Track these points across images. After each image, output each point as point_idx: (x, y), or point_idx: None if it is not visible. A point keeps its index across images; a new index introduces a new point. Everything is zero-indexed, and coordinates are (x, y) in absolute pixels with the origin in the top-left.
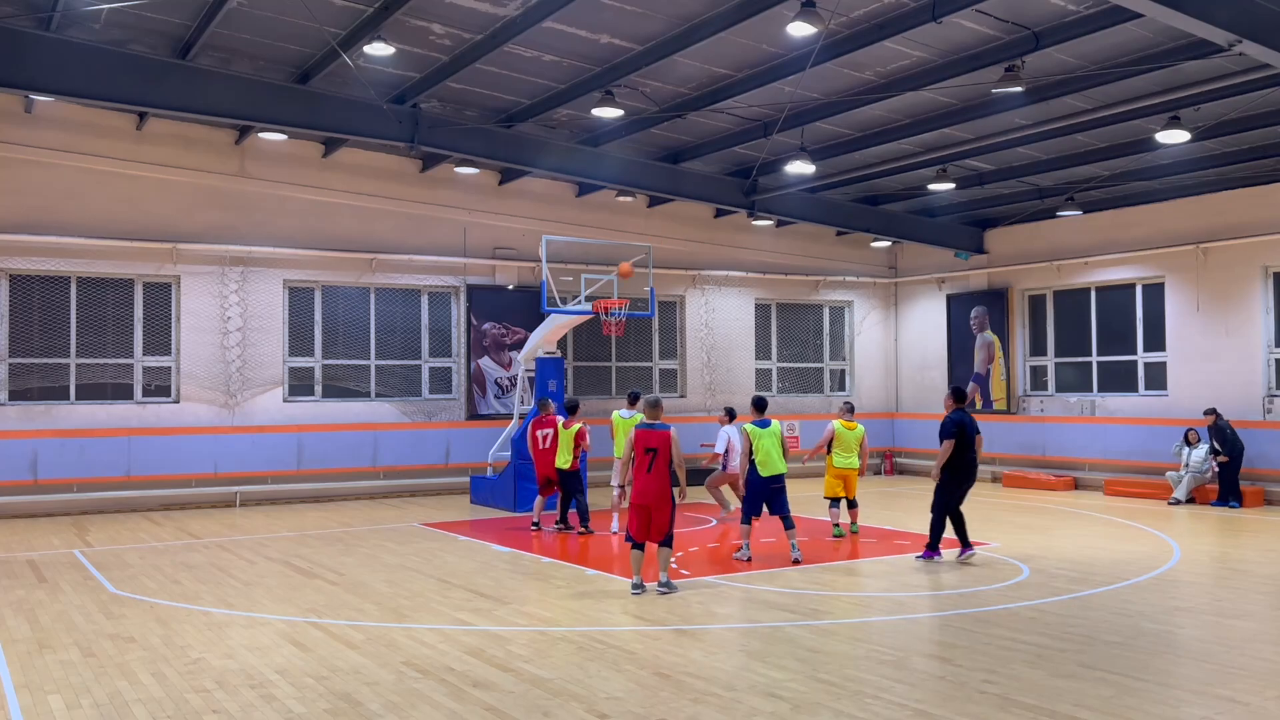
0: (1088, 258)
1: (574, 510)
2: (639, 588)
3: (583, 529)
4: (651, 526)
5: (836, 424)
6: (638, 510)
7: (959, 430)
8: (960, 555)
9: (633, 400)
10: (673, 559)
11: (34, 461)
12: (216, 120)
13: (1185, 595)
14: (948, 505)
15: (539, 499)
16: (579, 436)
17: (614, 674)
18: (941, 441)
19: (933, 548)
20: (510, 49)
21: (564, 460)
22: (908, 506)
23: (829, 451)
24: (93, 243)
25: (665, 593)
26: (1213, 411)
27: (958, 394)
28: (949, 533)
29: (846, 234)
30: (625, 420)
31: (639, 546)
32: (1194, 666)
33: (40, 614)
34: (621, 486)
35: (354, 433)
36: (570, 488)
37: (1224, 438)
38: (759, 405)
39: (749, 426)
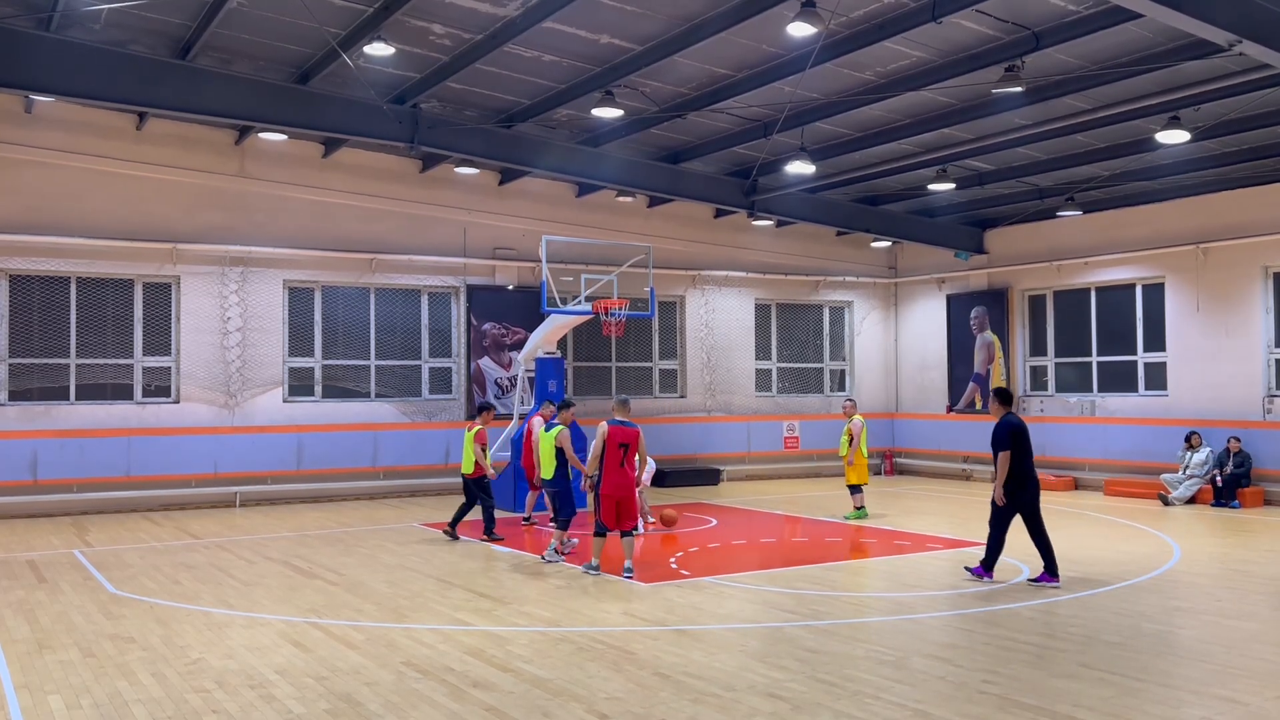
0: (1088, 258)
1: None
2: (594, 569)
3: (487, 536)
4: (622, 517)
5: (861, 419)
6: (609, 501)
7: (1014, 437)
8: (1036, 579)
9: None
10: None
11: (34, 461)
12: (216, 120)
13: (1185, 595)
14: (1007, 521)
15: (530, 495)
16: (478, 438)
17: (614, 674)
18: (996, 454)
19: (987, 566)
20: (510, 49)
21: (465, 465)
22: (907, 507)
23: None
24: (93, 243)
25: (630, 577)
26: (1236, 438)
27: (1003, 395)
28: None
29: (846, 234)
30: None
31: (603, 534)
32: (1194, 666)
33: (40, 614)
34: (590, 477)
35: (354, 433)
36: (471, 494)
37: (1240, 459)
38: (566, 406)
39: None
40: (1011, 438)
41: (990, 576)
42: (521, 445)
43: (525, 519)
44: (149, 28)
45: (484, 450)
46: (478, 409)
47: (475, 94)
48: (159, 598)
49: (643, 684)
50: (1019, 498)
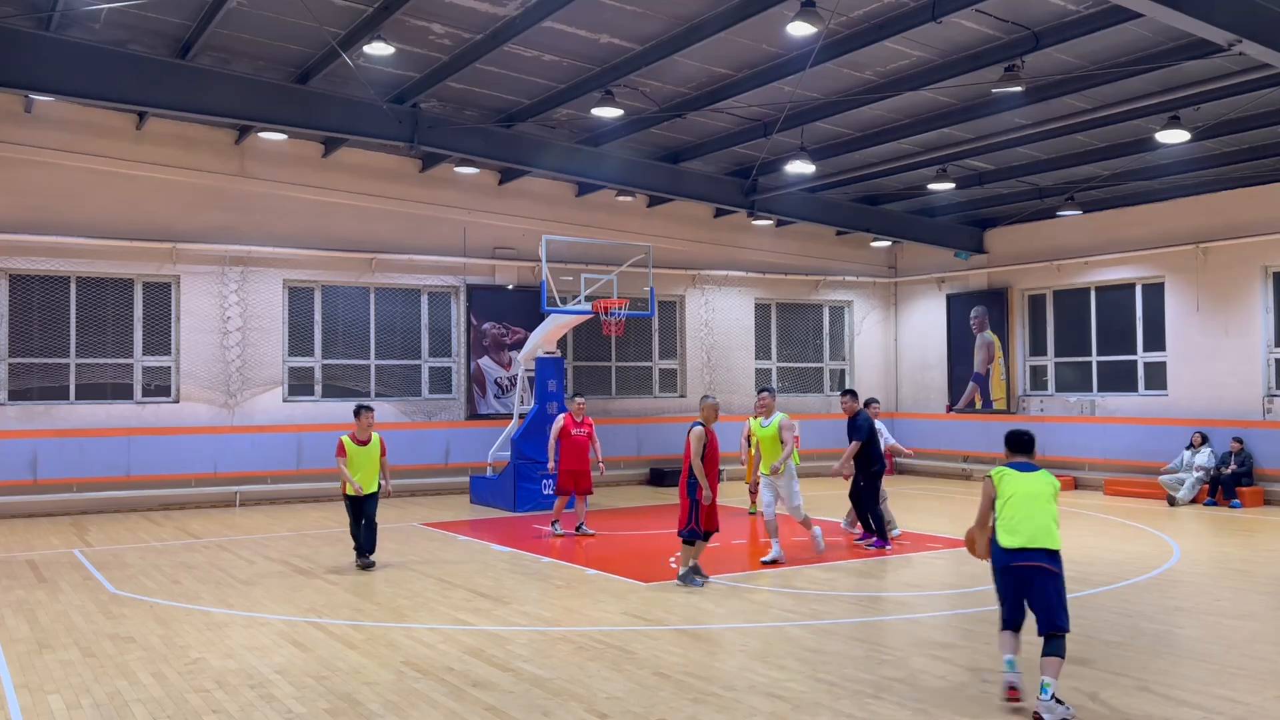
0: (1088, 258)
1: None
2: (703, 578)
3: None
4: (715, 518)
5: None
6: (713, 507)
7: (870, 430)
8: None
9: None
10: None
11: (34, 461)
12: (216, 120)
13: (1185, 595)
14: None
15: (561, 500)
16: (338, 452)
17: (614, 674)
18: (852, 439)
19: (882, 536)
20: (510, 49)
21: (373, 482)
22: (907, 506)
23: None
24: (93, 243)
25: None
26: (1239, 439)
27: (855, 395)
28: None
29: (846, 234)
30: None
31: (705, 540)
32: (1194, 666)
33: (40, 614)
34: (704, 488)
35: None
36: (372, 513)
37: (1243, 459)
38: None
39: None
40: (868, 431)
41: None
42: (551, 443)
43: (578, 528)
44: (149, 27)
45: (345, 461)
46: (356, 411)
47: (475, 94)
48: (159, 597)
49: (643, 684)
50: (874, 477)
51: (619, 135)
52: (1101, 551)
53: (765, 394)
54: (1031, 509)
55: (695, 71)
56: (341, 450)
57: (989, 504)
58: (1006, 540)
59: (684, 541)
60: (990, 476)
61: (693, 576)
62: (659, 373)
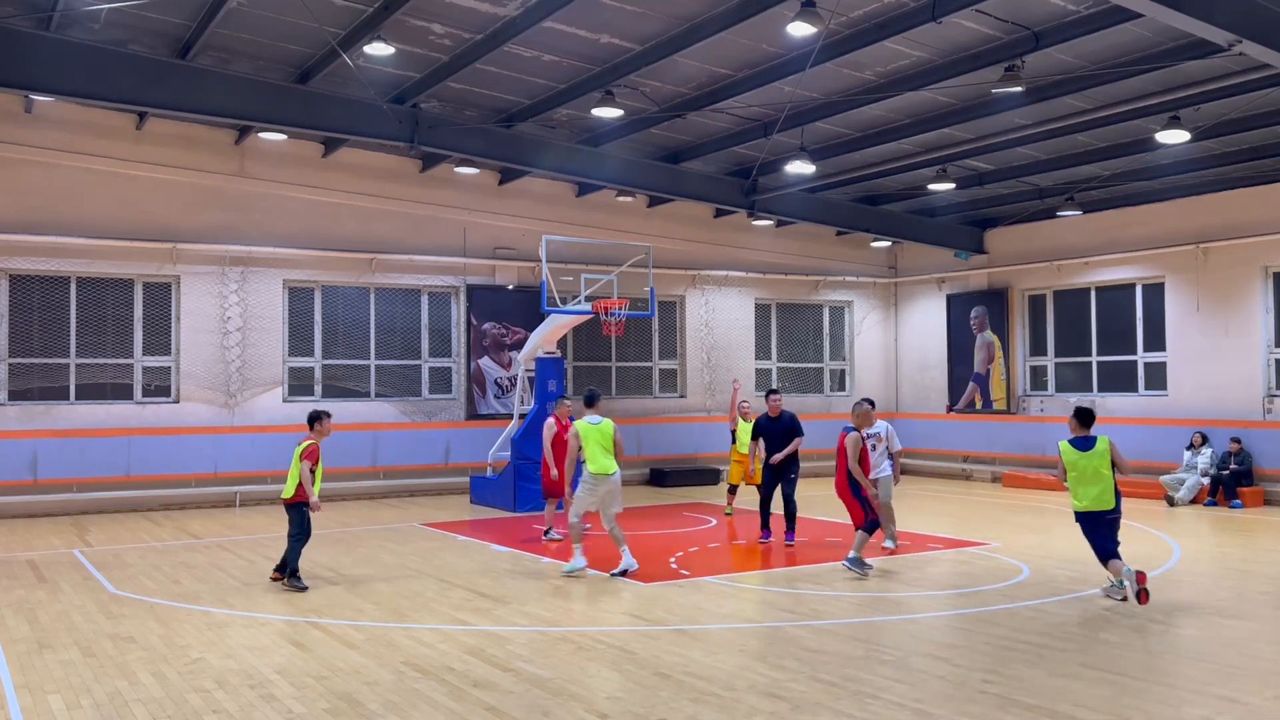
0: (1088, 258)
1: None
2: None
3: (292, 582)
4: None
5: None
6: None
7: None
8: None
9: (589, 401)
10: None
11: (34, 461)
12: (216, 120)
13: (1185, 595)
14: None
15: (552, 503)
16: (306, 455)
17: (614, 674)
18: (792, 439)
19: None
20: (510, 49)
21: (287, 488)
22: (907, 506)
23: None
24: (93, 243)
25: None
26: (1237, 439)
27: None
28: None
29: (846, 234)
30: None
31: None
32: (1194, 666)
33: (40, 614)
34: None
35: (354, 433)
36: (293, 526)
37: (1242, 459)
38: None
39: (581, 424)
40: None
41: (772, 534)
42: (545, 444)
43: (546, 533)
44: (149, 27)
45: (313, 472)
46: (309, 419)
47: (475, 94)
48: (159, 597)
49: (643, 684)
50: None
51: (619, 135)
52: None
53: (564, 402)
54: (1090, 481)
55: (695, 71)
56: (316, 455)
57: (1063, 471)
58: (1077, 505)
59: (864, 531)
60: (1060, 449)
61: (862, 563)
62: (659, 373)
